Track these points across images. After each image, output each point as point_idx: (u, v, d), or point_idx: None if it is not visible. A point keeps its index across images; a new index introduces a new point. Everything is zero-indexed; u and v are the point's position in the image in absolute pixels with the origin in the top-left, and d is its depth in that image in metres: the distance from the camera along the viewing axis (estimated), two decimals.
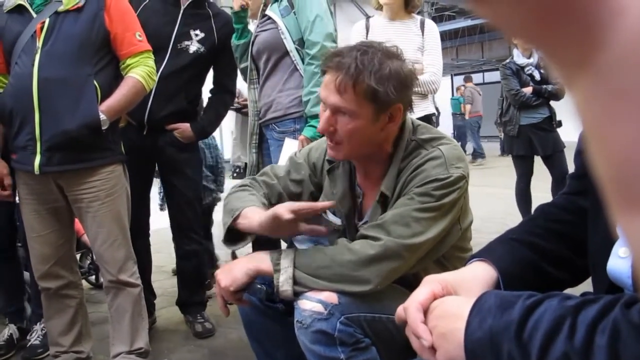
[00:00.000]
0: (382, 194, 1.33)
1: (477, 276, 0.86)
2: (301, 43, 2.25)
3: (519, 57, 4.06)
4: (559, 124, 4.10)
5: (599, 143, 0.20)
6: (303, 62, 2.24)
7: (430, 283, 0.83)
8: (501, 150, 3.92)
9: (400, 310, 0.83)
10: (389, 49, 1.29)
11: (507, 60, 4.19)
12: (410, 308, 0.79)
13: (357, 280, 1.22)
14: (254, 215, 1.35)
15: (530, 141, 4.02)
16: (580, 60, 0.19)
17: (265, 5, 2.39)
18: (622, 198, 0.19)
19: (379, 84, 1.23)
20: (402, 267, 1.26)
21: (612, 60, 0.18)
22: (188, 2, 2.46)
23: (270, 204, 1.48)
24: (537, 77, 4.04)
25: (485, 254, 0.90)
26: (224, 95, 2.67)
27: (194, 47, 2.44)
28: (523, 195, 4.22)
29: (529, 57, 4.03)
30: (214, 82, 2.68)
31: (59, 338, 2.07)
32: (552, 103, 4.10)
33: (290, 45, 2.24)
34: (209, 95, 2.70)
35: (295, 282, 1.24)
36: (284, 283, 1.23)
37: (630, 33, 0.17)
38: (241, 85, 2.79)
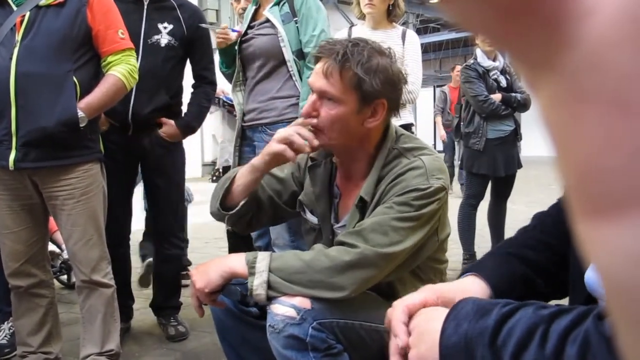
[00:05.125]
0: (361, 198, 1.33)
1: (471, 290, 0.86)
2: (299, 54, 2.22)
3: (483, 59, 3.50)
4: (521, 137, 3.65)
5: (563, 148, 0.19)
6: (299, 73, 2.22)
7: (427, 291, 0.84)
8: (460, 165, 3.44)
9: (390, 310, 0.84)
10: (380, 47, 1.33)
11: (471, 62, 3.55)
12: (397, 308, 0.80)
13: (332, 287, 1.22)
14: (247, 170, 1.42)
15: (495, 159, 3.45)
16: (546, 61, 0.19)
17: (258, 6, 2.36)
18: (585, 206, 0.19)
19: (365, 74, 1.27)
20: (378, 276, 1.26)
21: (580, 61, 0.18)
22: None
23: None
24: (503, 83, 3.52)
25: (477, 269, 0.91)
26: (205, 87, 2.63)
27: (164, 39, 2.41)
28: (467, 220, 3.55)
29: (493, 60, 3.51)
30: (194, 76, 2.65)
31: (27, 338, 2.02)
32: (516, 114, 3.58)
33: (288, 55, 2.21)
34: (191, 90, 2.67)
35: (270, 286, 1.23)
36: (258, 287, 1.23)
37: (599, 33, 0.17)
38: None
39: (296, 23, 2.21)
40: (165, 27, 2.43)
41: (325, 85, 1.30)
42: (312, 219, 1.47)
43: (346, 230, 1.34)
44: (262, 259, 1.25)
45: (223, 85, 3.01)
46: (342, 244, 1.26)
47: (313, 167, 1.46)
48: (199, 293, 1.29)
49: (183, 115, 2.57)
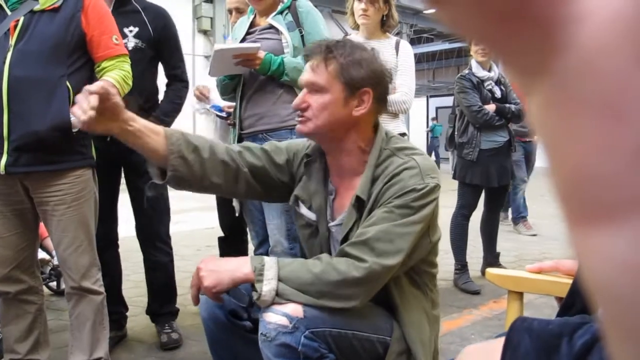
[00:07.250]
0: (357, 198, 1.35)
1: None
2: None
3: (478, 70, 3.50)
4: (515, 148, 3.69)
5: (556, 154, 0.19)
6: None
7: None
8: (453, 175, 3.73)
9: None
10: (363, 45, 1.43)
11: (466, 72, 3.54)
12: None
13: (340, 298, 1.24)
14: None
15: (488, 169, 3.46)
16: (539, 67, 0.18)
17: (259, 14, 2.37)
18: (577, 213, 0.19)
19: (348, 64, 1.36)
20: (382, 284, 1.31)
21: (573, 67, 0.17)
22: (112, 3, 2.42)
23: (244, 159, 1.46)
24: (498, 94, 3.53)
25: None
26: (177, 85, 2.64)
27: (131, 43, 2.41)
28: (460, 230, 3.53)
29: (488, 71, 3.53)
30: (166, 76, 2.65)
31: (15, 345, 2.00)
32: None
33: None
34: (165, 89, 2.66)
35: (278, 294, 1.24)
36: (267, 294, 1.23)
37: (593, 39, 0.17)
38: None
39: (300, 32, 2.23)
40: (131, 31, 2.43)
41: (312, 77, 1.39)
42: (309, 214, 1.48)
43: (342, 229, 1.37)
44: (270, 267, 1.26)
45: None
46: (348, 255, 1.27)
47: (309, 163, 1.48)
48: (205, 290, 1.29)
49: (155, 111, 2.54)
